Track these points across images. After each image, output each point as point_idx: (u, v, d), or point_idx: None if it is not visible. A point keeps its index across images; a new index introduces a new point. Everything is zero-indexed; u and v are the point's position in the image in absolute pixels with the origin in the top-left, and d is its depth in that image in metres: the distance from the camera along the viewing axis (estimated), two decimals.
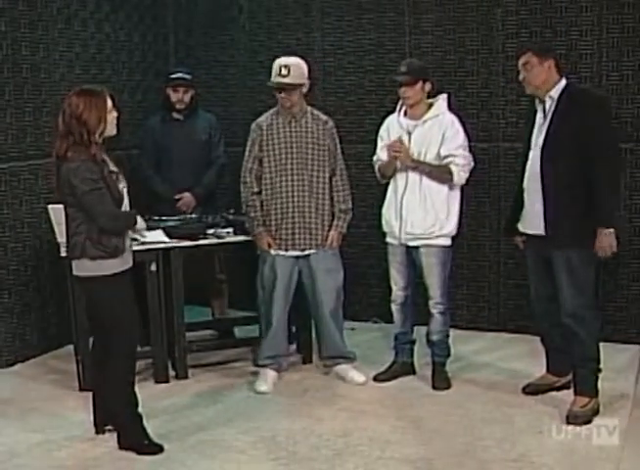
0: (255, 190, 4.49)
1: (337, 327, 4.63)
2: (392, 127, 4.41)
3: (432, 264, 4.36)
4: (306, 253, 4.50)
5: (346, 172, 4.61)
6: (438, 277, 4.37)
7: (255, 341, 4.86)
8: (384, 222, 4.48)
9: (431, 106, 4.33)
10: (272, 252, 4.49)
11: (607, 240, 3.81)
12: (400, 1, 5.41)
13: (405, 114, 4.39)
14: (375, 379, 4.59)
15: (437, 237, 4.32)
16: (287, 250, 4.48)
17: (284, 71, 4.35)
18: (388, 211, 4.44)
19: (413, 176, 4.29)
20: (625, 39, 4.84)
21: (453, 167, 4.24)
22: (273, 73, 4.40)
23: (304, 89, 4.44)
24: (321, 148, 4.47)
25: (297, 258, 4.52)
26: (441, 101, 4.35)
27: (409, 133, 4.32)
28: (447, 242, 4.36)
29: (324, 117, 4.55)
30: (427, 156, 4.28)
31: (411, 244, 4.37)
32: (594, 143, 3.78)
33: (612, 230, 3.81)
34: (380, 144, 4.46)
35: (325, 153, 4.49)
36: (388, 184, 4.46)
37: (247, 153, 4.53)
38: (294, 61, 4.41)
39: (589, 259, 3.91)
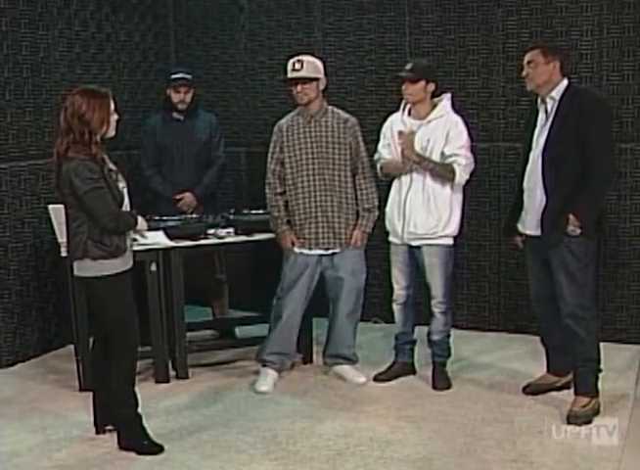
0: (279, 190, 4.49)
1: (350, 328, 4.62)
2: (396, 126, 4.40)
3: (434, 264, 4.36)
4: (330, 252, 4.49)
5: (371, 171, 4.56)
6: (440, 277, 4.37)
7: (256, 340, 4.86)
8: (386, 221, 4.48)
9: (435, 106, 4.33)
10: (296, 249, 4.48)
11: (570, 228, 3.82)
12: (400, 1, 5.41)
13: (409, 113, 4.39)
14: (375, 379, 4.59)
15: (440, 237, 4.32)
16: (310, 248, 4.47)
17: (297, 66, 4.34)
18: (391, 210, 4.44)
19: (417, 176, 4.30)
20: (625, 39, 4.84)
21: (456, 167, 4.23)
22: (287, 71, 4.39)
23: (321, 86, 4.41)
24: (342, 146, 4.44)
25: (321, 256, 4.51)
26: (445, 101, 4.35)
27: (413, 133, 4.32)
28: (449, 242, 4.37)
29: (345, 116, 4.51)
30: (431, 155, 4.27)
31: (413, 243, 4.38)
32: (591, 144, 3.78)
33: (578, 226, 3.81)
34: (382, 141, 4.46)
35: (346, 151, 4.45)
36: (391, 183, 4.46)
37: (269, 154, 4.53)
38: (307, 57, 4.41)
39: (588, 259, 3.91)
